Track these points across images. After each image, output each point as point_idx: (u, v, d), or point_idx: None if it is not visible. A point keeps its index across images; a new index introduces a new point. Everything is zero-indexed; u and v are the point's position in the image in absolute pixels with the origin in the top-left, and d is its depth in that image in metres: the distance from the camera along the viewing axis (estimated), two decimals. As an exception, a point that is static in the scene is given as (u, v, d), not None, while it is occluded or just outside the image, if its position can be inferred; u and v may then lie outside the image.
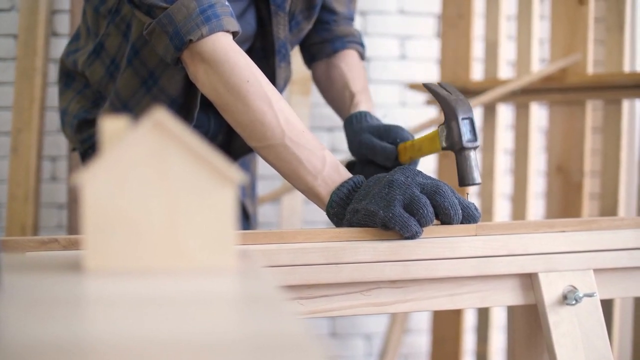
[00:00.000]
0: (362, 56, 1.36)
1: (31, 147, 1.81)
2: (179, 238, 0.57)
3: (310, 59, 1.37)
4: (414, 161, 1.14)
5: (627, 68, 1.61)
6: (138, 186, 0.56)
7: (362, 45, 1.36)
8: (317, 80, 1.37)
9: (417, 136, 1.13)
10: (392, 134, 1.14)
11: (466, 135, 1.00)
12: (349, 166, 1.24)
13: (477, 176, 1.00)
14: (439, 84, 1.06)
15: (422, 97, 2.05)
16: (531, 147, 1.79)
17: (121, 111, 1.18)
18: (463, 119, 1.01)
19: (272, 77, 1.24)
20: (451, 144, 1.01)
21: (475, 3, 1.90)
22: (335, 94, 1.31)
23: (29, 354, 0.39)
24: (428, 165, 2.08)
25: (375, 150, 1.13)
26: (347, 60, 1.32)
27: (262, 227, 2.02)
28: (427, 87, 1.07)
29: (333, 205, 0.99)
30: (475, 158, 1.01)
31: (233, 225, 0.58)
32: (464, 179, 1.00)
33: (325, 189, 0.99)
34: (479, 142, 1.01)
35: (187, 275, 0.56)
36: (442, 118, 1.06)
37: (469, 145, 1.00)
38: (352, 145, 1.19)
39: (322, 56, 1.34)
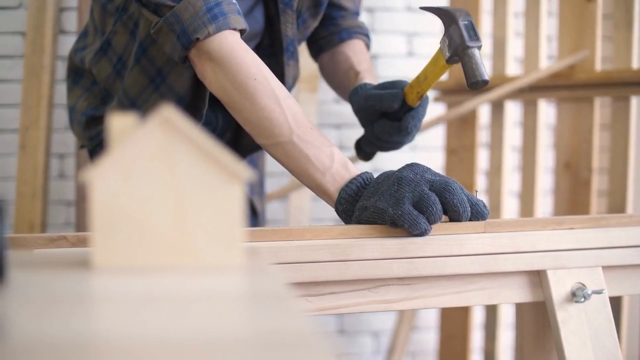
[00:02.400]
0: (367, 47, 1.36)
1: (39, 145, 1.82)
2: (187, 235, 0.57)
3: (317, 51, 1.37)
4: (423, 100, 1.13)
5: (635, 65, 1.60)
6: (146, 183, 0.56)
7: (368, 37, 1.36)
8: (323, 68, 1.37)
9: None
10: (396, 85, 1.16)
11: (468, 35, 0.99)
12: (358, 142, 1.24)
13: (484, 72, 0.98)
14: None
15: (429, 94, 2.04)
16: (539, 144, 1.78)
17: (129, 109, 1.18)
18: (462, 21, 1.00)
19: (280, 74, 1.24)
20: (455, 48, 0.99)
21: (483, 0, 1.90)
22: (341, 75, 1.31)
23: (36, 352, 0.39)
24: (435, 162, 2.07)
25: (382, 97, 1.14)
26: (354, 47, 1.33)
27: (270, 224, 2.02)
28: (424, 9, 1.06)
29: (342, 202, 0.98)
30: (480, 57, 0.99)
31: (241, 223, 0.57)
32: (473, 77, 0.98)
33: (334, 186, 0.99)
34: (482, 42, 1.00)
35: (195, 273, 0.56)
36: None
37: (472, 44, 0.99)
38: (359, 104, 1.19)
39: (329, 47, 1.34)
